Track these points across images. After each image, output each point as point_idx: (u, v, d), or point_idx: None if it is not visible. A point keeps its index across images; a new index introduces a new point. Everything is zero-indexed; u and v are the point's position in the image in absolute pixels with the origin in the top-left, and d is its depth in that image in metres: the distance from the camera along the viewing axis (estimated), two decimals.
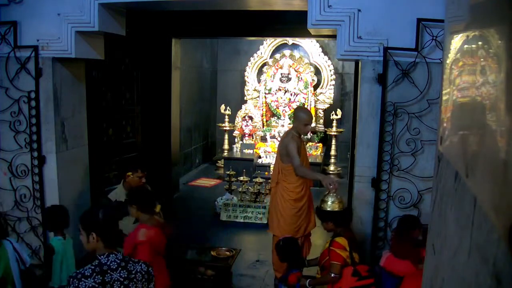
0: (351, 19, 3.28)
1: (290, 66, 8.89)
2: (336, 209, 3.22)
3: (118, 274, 2.08)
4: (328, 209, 3.23)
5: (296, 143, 3.85)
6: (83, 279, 2.03)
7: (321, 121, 9.07)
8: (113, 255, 2.13)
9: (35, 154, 3.79)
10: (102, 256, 2.12)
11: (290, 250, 3.39)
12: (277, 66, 8.98)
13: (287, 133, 4.09)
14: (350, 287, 2.98)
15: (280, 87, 8.94)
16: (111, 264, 2.09)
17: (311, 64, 8.95)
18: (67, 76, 3.92)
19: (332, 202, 3.24)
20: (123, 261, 2.13)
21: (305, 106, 8.48)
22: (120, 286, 2.07)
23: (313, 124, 8.79)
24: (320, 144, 8.69)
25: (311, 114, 4.13)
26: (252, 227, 5.82)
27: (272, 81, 8.99)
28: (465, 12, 1.13)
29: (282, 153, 3.92)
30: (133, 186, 3.49)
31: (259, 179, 6.26)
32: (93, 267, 2.08)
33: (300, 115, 3.94)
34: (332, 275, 2.98)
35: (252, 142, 8.88)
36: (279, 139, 8.34)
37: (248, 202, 6.10)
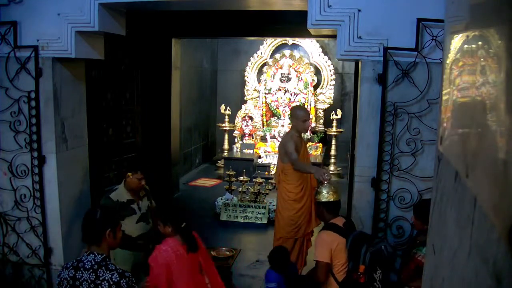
0: (351, 19, 3.28)
1: (290, 66, 8.89)
2: (332, 200, 3.22)
3: (88, 275, 2.14)
4: (323, 200, 3.24)
5: (295, 142, 3.91)
6: (64, 269, 2.21)
7: (321, 121, 9.08)
8: (92, 255, 2.19)
9: (35, 154, 3.79)
10: (85, 253, 2.22)
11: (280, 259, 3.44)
12: (277, 66, 8.98)
13: (286, 133, 4.18)
14: None
15: (280, 87, 8.94)
16: (86, 264, 2.16)
17: (311, 64, 8.95)
18: (67, 76, 3.92)
19: (327, 193, 3.26)
20: (97, 264, 2.16)
21: (305, 106, 8.50)
22: (87, 287, 2.12)
23: (313, 124, 8.80)
24: (320, 144, 8.69)
25: (306, 109, 4.28)
26: (252, 227, 5.82)
27: (272, 81, 8.99)
28: (465, 12, 1.13)
29: (281, 152, 4.00)
30: (133, 188, 3.49)
31: (259, 179, 6.26)
32: (74, 261, 2.21)
33: (297, 112, 4.02)
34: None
35: (252, 142, 8.88)
36: (279, 139, 8.35)
37: (248, 202, 6.10)
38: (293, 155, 3.83)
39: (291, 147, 3.86)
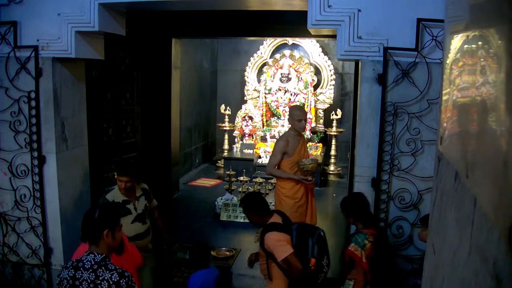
0: (351, 19, 3.28)
1: (290, 66, 8.89)
2: (309, 167, 3.93)
3: (87, 275, 2.14)
4: (305, 168, 3.92)
5: (287, 142, 4.06)
6: (64, 269, 2.21)
7: (321, 121, 9.07)
8: (92, 255, 2.19)
9: (35, 154, 3.79)
10: (85, 253, 2.21)
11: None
12: (277, 66, 8.97)
13: (284, 133, 4.37)
14: None
15: (280, 87, 8.94)
16: (86, 263, 2.16)
17: (311, 64, 8.94)
18: (67, 76, 3.92)
19: (309, 163, 3.95)
20: (97, 264, 2.16)
21: (305, 106, 8.51)
22: (87, 286, 2.12)
23: (313, 124, 8.80)
24: (320, 144, 8.69)
25: (303, 109, 4.44)
26: (252, 227, 5.80)
27: (272, 81, 8.99)
28: (465, 12, 1.13)
29: None
30: (120, 189, 3.43)
31: (259, 179, 6.25)
32: (74, 261, 2.20)
33: (293, 112, 4.18)
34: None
35: (252, 142, 8.88)
36: None
37: None
38: (273, 158, 4.08)
39: (277, 148, 4.06)
